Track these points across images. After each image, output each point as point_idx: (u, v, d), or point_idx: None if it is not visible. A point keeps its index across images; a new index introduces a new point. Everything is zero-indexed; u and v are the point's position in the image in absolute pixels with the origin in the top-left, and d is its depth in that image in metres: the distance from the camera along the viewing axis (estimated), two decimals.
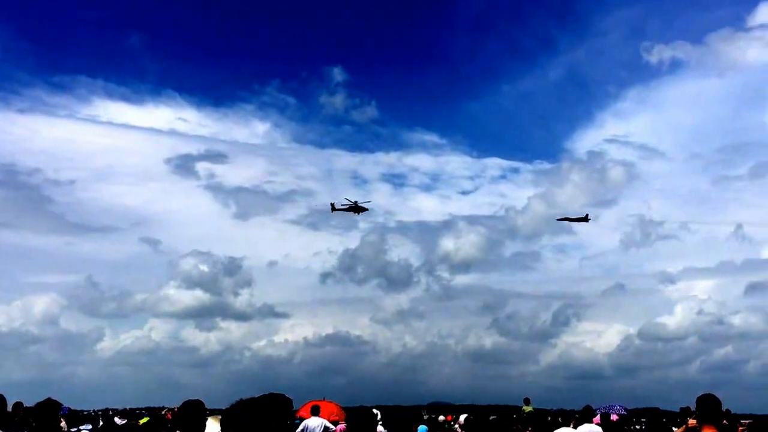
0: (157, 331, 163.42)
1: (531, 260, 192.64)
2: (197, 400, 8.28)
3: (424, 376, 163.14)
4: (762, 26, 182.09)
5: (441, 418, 48.24)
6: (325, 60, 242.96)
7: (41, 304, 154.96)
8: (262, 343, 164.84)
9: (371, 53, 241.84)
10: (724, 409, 9.25)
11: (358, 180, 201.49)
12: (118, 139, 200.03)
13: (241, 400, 4.94)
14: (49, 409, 8.73)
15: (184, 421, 8.15)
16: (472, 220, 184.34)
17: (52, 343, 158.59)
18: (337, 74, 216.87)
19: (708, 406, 8.77)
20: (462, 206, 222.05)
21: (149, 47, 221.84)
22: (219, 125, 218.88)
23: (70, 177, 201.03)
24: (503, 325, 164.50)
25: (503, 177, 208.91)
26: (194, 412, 8.17)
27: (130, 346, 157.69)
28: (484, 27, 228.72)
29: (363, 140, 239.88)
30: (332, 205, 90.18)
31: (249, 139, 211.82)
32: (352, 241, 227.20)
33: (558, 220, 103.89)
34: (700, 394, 8.83)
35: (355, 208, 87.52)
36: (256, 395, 5.04)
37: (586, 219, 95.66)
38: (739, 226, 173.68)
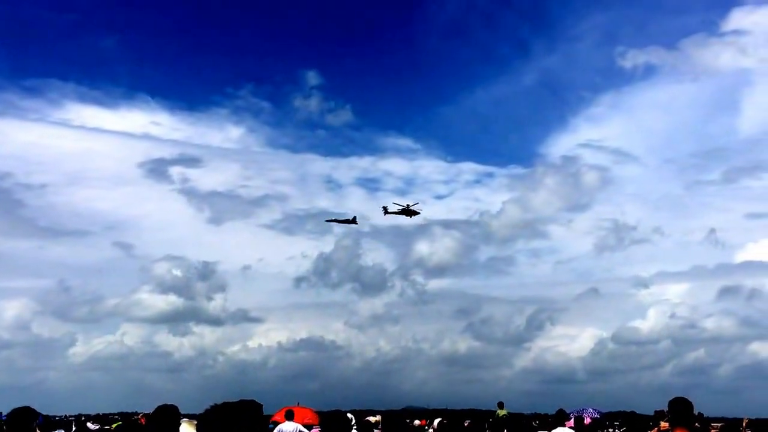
0: (129, 336, 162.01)
1: (505, 265, 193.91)
2: (171, 405, 8.22)
3: (399, 380, 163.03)
4: (735, 32, 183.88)
5: (416, 422, 48.24)
6: (300, 63, 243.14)
7: (12, 309, 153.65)
8: (236, 347, 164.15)
9: (346, 57, 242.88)
10: (696, 412, 9.33)
11: (333, 184, 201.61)
12: (90, 142, 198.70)
13: (215, 405, 4.92)
14: (24, 417, 8.58)
15: (158, 425, 8.08)
16: (447, 225, 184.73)
17: (23, 349, 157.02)
18: (312, 78, 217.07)
19: (680, 409, 8.84)
20: (436, 211, 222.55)
21: (122, 51, 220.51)
22: (193, 129, 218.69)
23: (42, 181, 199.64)
24: (477, 329, 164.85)
25: (477, 182, 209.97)
26: (168, 417, 8.11)
27: (102, 351, 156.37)
28: (458, 32, 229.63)
29: (337, 145, 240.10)
30: (384, 208, 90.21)
31: (223, 144, 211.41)
32: (326, 245, 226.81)
33: (326, 221, 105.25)
34: (672, 397, 8.89)
35: (407, 212, 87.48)
36: (230, 400, 5.03)
37: (354, 221, 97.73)
38: (712, 231, 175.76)
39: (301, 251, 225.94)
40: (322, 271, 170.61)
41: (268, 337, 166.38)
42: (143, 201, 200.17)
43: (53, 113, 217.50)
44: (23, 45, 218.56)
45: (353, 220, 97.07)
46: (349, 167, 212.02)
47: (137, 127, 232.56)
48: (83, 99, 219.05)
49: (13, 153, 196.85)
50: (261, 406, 4.96)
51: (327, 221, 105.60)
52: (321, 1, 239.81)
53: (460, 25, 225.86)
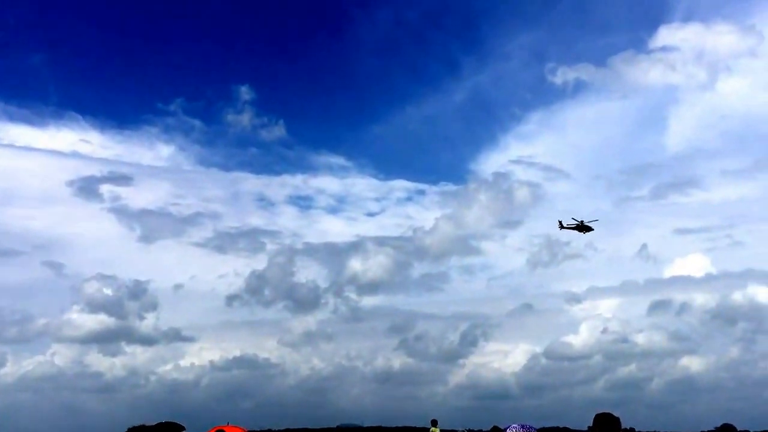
0: (60, 356, 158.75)
1: (439, 281, 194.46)
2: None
3: (333, 398, 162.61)
4: (663, 48, 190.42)
5: None
6: (233, 78, 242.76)
7: None
8: (168, 367, 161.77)
9: (279, 72, 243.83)
10: (628, 426, 9.35)
11: (265, 202, 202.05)
12: (19, 161, 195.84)
13: (133, 428, 4.71)
14: None
15: None
16: (380, 242, 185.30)
17: None
18: (245, 93, 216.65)
19: (605, 425, 8.84)
20: (369, 228, 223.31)
21: (51, 69, 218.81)
22: (123, 147, 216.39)
23: None
24: (411, 346, 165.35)
25: (409, 199, 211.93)
26: None
27: (32, 372, 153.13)
28: (389, 51, 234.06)
29: (269, 162, 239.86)
30: (560, 222, 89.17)
31: (153, 162, 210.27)
32: (259, 263, 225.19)
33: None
34: (600, 412, 8.88)
35: (581, 227, 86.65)
36: (154, 423, 4.84)
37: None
38: (644, 246, 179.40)
39: (233, 269, 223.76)
40: (255, 288, 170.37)
41: (200, 356, 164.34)
42: (73, 220, 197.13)
43: None
44: None
45: None
46: (281, 185, 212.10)
47: (66, 145, 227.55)
48: (12, 117, 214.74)
49: None
50: (183, 428, 4.77)
51: None
52: (253, 15, 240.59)
53: (390, 43, 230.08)
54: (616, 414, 8.83)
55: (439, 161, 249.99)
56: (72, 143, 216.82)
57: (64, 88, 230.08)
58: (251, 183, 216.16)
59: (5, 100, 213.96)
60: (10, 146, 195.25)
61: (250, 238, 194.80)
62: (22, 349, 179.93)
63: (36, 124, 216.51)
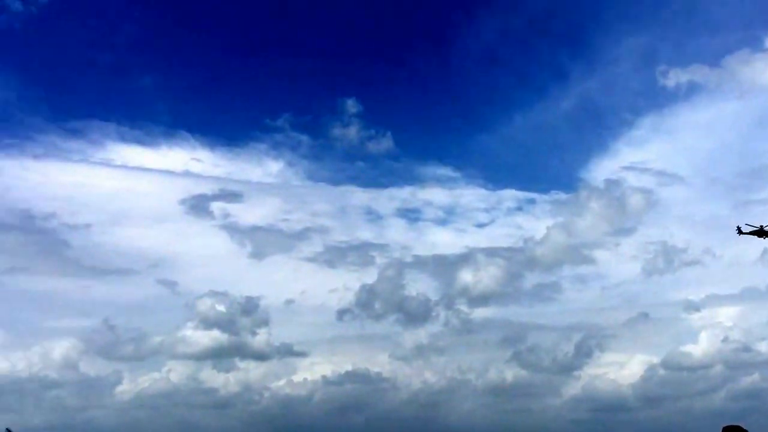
0: (175, 373, 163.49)
1: (551, 291, 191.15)
2: None
3: (445, 411, 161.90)
4: None
5: None
6: (339, 92, 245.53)
7: (60, 348, 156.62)
8: (282, 382, 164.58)
9: (384, 85, 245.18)
10: None
11: (373, 215, 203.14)
12: (132, 181, 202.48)
13: None
14: None
15: None
16: (490, 253, 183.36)
17: (71, 388, 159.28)
18: (351, 106, 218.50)
19: None
20: (479, 239, 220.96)
21: (161, 89, 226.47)
22: (233, 165, 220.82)
23: (86, 221, 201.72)
24: (524, 358, 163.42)
25: (519, 208, 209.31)
26: None
27: (148, 389, 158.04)
28: (495, 59, 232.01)
29: (376, 176, 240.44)
30: (738, 228, 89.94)
31: (263, 179, 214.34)
32: (369, 276, 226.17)
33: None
34: (726, 424, 7.97)
35: (760, 232, 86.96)
36: None
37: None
38: (765, 252, 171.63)
39: (343, 283, 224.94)
40: (365, 302, 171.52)
41: (312, 371, 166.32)
42: (186, 238, 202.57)
43: (95, 154, 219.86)
44: (64, 87, 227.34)
45: None
46: (389, 198, 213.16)
47: (178, 164, 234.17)
48: (124, 138, 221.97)
49: (57, 194, 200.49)
50: None
51: None
52: (358, 28, 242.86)
53: (496, 51, 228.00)
54: (743, 427, 7.85)
55: (548, 169, 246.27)
56: (184, 162, 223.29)
57: (174, 107, 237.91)
58: (359, 197, 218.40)
59: (117, 122, 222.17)
60: (123, 167, 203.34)
61: (359, 252, 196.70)
62: (138, 367, 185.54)
63: (148, 145, 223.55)
